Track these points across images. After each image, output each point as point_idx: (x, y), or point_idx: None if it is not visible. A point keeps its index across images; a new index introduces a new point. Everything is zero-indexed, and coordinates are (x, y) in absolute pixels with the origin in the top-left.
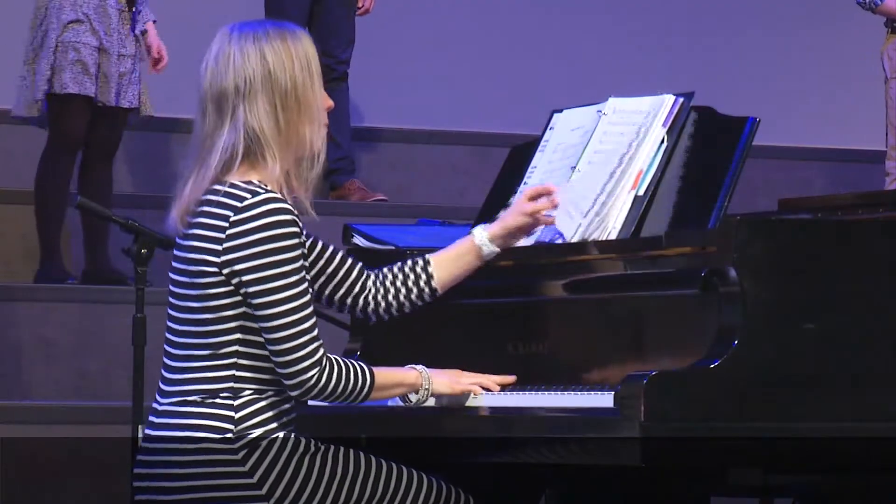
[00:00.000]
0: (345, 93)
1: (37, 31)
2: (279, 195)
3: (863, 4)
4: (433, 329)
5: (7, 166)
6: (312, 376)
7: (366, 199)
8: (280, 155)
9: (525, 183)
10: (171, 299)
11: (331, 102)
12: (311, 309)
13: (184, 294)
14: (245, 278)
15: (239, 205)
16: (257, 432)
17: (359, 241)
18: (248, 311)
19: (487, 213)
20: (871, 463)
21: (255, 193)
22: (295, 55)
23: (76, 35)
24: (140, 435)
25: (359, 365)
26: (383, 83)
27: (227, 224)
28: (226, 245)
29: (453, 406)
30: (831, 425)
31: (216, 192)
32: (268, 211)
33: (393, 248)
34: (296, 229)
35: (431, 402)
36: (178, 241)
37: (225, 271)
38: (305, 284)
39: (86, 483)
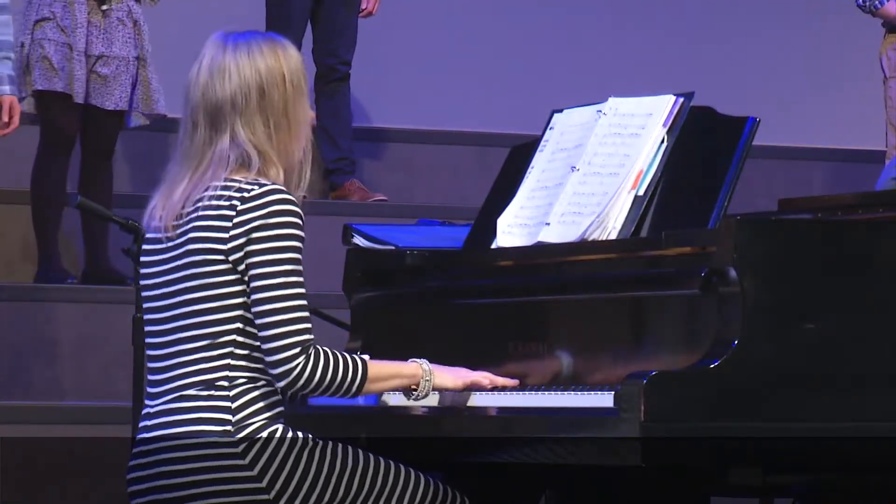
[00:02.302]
0: (347, 94)
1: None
2: (284, 188)
3: (863, 7)
4: (433, 329)
5: (7, 166)
6: (298, 364)
7: (366, 199)
8: (279, 167)
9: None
10: (153, 302)
11: (313, 114)
12: (304, 301)
13: (178, 289)
14: (249, 261)
15: (246, 194)
16: (255, 422)
17: (359, 241)
18: (247, 299)
19: (487, 213)
20: (871, 463)
21: (261, 185)
22: (287, 72)
23: (43, 33)
24: None
25: (350, 356)
26: (383, 84)
27: (234, 213)
28: (232, 232)
29: (454, 405)
30: (831, 425)
31: (219, 188)
32: (274, 200)
33: (393, 248)
34: (300, 221)
35: (434, 398)
36: (162, 240)
37: (231, 258)
38: (302, 277)
39: (86, 483)
